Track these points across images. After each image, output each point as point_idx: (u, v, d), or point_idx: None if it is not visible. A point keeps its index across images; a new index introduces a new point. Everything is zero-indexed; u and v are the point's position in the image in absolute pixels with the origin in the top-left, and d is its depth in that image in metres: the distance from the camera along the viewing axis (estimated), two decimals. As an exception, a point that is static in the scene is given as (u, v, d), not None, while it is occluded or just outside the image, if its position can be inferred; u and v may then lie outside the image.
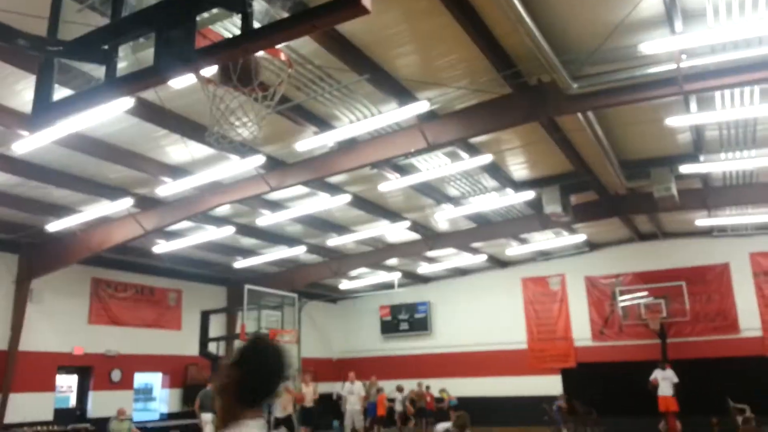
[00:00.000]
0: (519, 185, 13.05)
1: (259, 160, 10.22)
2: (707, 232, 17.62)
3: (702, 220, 15.72)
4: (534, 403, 17.36)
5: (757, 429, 12.40)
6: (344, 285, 21.20)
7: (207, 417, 12.42)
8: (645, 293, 17.60)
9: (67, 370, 14.52)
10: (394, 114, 8.95)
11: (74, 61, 6.91)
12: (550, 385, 18.77)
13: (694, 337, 17.50)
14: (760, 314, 17.08)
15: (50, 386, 13.88)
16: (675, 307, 17.15)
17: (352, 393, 15.53)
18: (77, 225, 12.36)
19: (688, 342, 17.43)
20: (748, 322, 17.13)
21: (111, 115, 8.27)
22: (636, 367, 16.88)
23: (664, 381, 15.65)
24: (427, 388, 18.74)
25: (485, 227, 16.04)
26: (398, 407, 19.20)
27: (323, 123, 9.57)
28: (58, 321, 14.17)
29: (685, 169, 11.55)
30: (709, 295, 17.66)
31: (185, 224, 13.43)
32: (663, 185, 11.68)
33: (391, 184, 11.91)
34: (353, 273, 19.93)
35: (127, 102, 7.71)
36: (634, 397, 16.63)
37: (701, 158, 11.49)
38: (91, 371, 14.72)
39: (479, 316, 20.70)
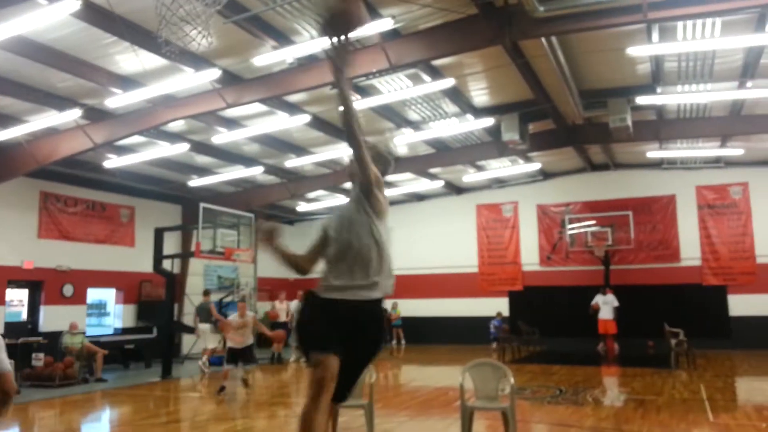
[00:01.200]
0: (479, 111, 13.05)
1: (214, 73, 9.86)
2: (657, 164, 18.19)
3: (653, 152, 16.16)
4: (483, 323, 18.18)
5: (687, 350, 13.29)
6: (302, 207, 21.20)
7: (204, 327, 14.05)
8: (593, 222, 18.26)
9: (18, 284, 14.29)
10: (357, 31, 8.69)
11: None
12: (498, 306, 19.62)
13: (637, 264, 18.39)
14: (701, 245, 18.00)
15: (0, 300, 13.69)
16: (620, 235, 17.90)
17: (283, 311, 16.33)
18: (23, 135, 11.85)
19: (631, 269, 18.33)
20: (689, 252, 18.05)
21: (56, 18, 7.81)
22: (579, 291, 17.77)
23: (605, 305, 16.56)
24: None
25: (444, 153, 16.12)
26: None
27: (282, 37, 9.25)
28: (6, 234, 13.80)
29: (641, 100, 11.73)
30: (654, 225, 18.44)
31: (137, 139, 13.03)
32: (619, 116, 11.87)
33: (352, 105, 11.72)
34: (311, 195, 19.90)
35: (73, 4, 7.25)
36: (575, 320, 17.58)
37: (658, 90, 11.67)
38: (42, 286, 14.53)
39: (434, 240, 21.17)
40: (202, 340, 14.36)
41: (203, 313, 14.33)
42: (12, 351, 10.88)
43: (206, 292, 15.06)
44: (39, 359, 12.06)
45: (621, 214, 18.04)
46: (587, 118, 13.31)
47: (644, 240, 18.38)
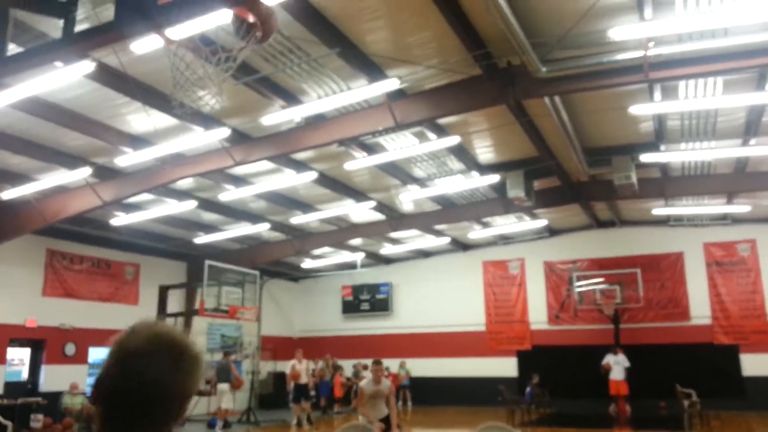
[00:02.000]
0: (484, 168, 13.15)
1: (223, 132, 10.02)
2: (663, 221, 18.15)
3: (659, 209, 16.16)
4: (490, 384, 17.69)
5: (701, 411, 12.90)
6: (307, 264, 21.13)
7: (223, 387, 14.07)
8: (601, 279, 18.08)
9: (20, 342, 14.11)
10: (363, 91, 8.89)
11: (30, 12, 6.68)
12: (506, 366, 19.23)
13: (647, 323, 18.08)
14: (710, 303, 17.74)
15: (1, 359, 13.49)
16: (629, 293, 17.68)
17: (298, 371, 15.51)
18: (33, 193, 11.95)
19: (641, 328, 18.01)
20: (699, 311, 17.77)
21: (70, 79, 7.96)
22: (589, 351, 17.40)
23: (616, 365, 16.20)
24: (386, 368, 19.02)
25: (449, 210, 16.16)
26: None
27: (291, 97, 9.43)
28: (10, 292, 13.73)
29: (645, 157, 11.81)
30: (663, 282, 18.24)
31: (145, 197, 13.13)
32: (623, 173, 11.93)
33: (358, 163, 11.85)
34: (316, 252, 19.87)
35: (87, 66, 7.43)
36: (586, 380, 17.15)
37: (662, 147, 11.77)
38: (44, 344, 14.35)
39: (440, 297, 20.95)
40: (217, 400, 14.31)
41: (222, 372, 14.31)
42: (11, 412, 10.68)
43: (226, 353, 15.23)
44: (38, 420, 11.79)
45: (629, 271, 17.85)
46: (592, 175, 13.38)
47: (653, 298, 18.13)
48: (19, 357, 14.30)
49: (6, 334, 13.59)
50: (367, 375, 18.74)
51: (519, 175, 12.82)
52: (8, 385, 13.41)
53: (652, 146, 11.79)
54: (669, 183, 13.99)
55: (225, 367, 14.41)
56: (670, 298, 18.12)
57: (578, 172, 13.27)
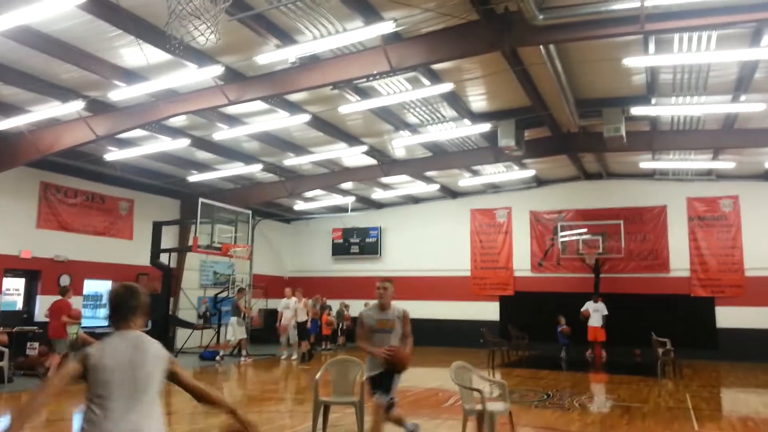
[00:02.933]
0: (476, 116, 13.24)
1: (217, 70, 9.98)
2: (649, 175, 18.44)
3: (646, 163, 16.38)
4: (473, 326, 18.30)
5: (674, 360, 13.48)
6: (298, 206, 21.35)
7: (232, 320, 15.33)
8: (585, 230, 18.48)
9: (15, 273, 14.38)
10: (359, 33, 8.88)
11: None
12: (489, 310, 19.86)
13: (627, 273, 18.61)
14: (690, 256, 18.24)
15: (-3, 287, 13.79)
16: (611, 244, 18.12)
17: (288, 308, 15.91)
18: (26, 125, 11.97)
19: (621, 278, 18.55)
20: (678, 263, 18.29)
21: (62, 9, 7.90)
22: (570, 298, 17.97)
23: (595, 312, 16.78)
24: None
25: (440, 157, 16.31)
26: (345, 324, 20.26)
27: (286, 36, 9.40)
28: (4, 223, 13.91)
29: (636, 110, 11.94)
30: (645, 234, 18.68)
31: (139, 133, 13.16)
32: (613, 125, 12.08)
33: (352, 107, 11.90)
34: (308, 194, 20.06)
35: (80, -6, 7.39)
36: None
37: (653, 101, 11.89)
38: (39, 275, 14.63)
39: (428, 243, 21.39)
40: (231, 333, 15.47)
41: (235, 309, 15.46)
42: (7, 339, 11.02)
43: (240, 290, 16.47)
44: (33, 348, 12.13)
45: (612, 223, 18.25)
46: (582, 126, 13.52)
47: (635, 249, 18.60)
48: (15, 287, 14.60)
49: (1, 264, 13.84)
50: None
51: (510, 125, 12.94)
52: (4, 314, 13.75)
53: (643, 99, 11.91)
54: (657, 137, 14.17)
55: (233, 303, 15.62)
56: (650, 250, 18.60)
57: (569, 123, 13.40)
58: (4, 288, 14.08)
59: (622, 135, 12.20)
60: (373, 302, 6.48)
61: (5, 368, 10.74)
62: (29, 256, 14.31)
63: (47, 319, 11.30)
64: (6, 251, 13.90)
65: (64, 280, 14.78)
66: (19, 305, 14.57)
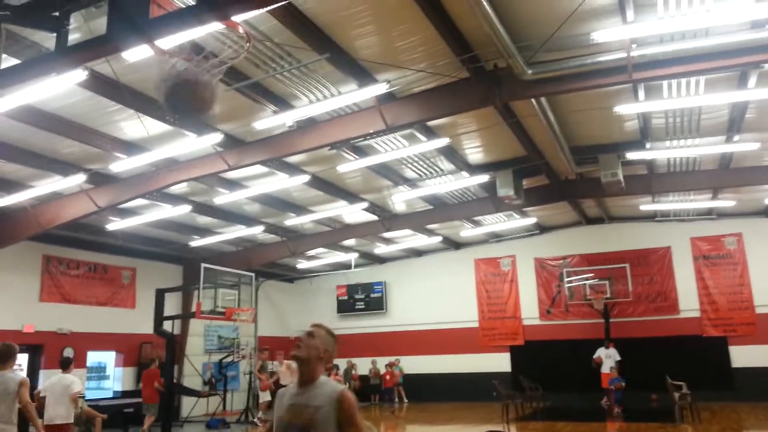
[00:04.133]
0: (474, 168, 13.36)
1: (216, 137, 10.18)
2: (651, 217, 18.44)
3: (646, 206, 16.43)
4: (484, 379, 17.95)
5: (691, 403, 13.15)
6: (301, 265, 21.29)
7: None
8: (591, 274, 18.36)
9: (18, 348, 14.19)
10: (354, 95, 9.06)
11: (23, 27, 6.82)
12: (500, 362, 19.51)
13: (636, 317, 18.37)
14: (699, 296, 18.05)
15: (-2, 365, 13.58)
16: (618, 288, 17.96)
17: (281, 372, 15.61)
18: (28, 200, 12.07)
19: (631, 321, 18.30)
20: (687, 303, 18.07)
21: (63, 88, 8.07)
22: (581, 345, 17.67)
23: (608, 359, 16.45)
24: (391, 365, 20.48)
25: (441, 209, 16.36)
26: (352, 384, 19.94)
27: (282, 102, 9.59)
28: (7, 298, 13.86)
29: (631, 155, 12.06)
30: (652, 276, 18.53)
31: (140, 202, 13.24)
32: (610, 170, 12.17)
33: (350, 165, 12.03)
34: (310, 253, 20.01)
35: (80, 74, 7.55)
36: (578, 374, 17.41)
37: (647, 145, 12.00)
38: (42, 350, 14.46)
39: (433, 295, 21.20)
40: (265, 395, 15.42)
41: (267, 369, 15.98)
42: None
43: (263, 350, 16.93)
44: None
45: (618, 266, 18.16)
46: (580, 173, 13.62)
47: (642, 292, 18.42)
48: (18, 362, 14.35)
49: (4, 340, 13.66)
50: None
51: (508, 175, 13.03)
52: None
53: (638, 144, 12.03)
54: (655, 179, 14.23)
55: (266, 366, 16.13)
56: (658, 292, 18.42)
57: (566, 170, 13.50)
58: (7, 364, 13.84)
59: (620, 180, 12.27)
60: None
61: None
62: (32, 330, 14.18)
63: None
64: (9, 327, 13.75)
65: (68, 353, 14.58)
66: (22, 381, 14.31)
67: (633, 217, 18.55)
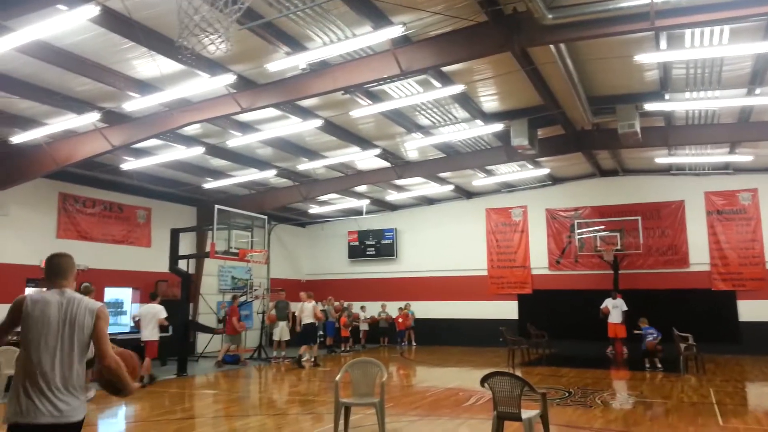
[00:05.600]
0: (488, 117, 13.21)
1: (229, 78, 10.09)
2: (666, 170, 18.26)
3: (662, 158, 16.24)
4: (491, 325, 18.28)
5: (696, 355, 13.33)
6: (313, 210, 21.45)
7: (282, 323, 16.03)
8: (602, 226, 18.36)
9: (36, 282, 14.61)
10: (368, 38, 8.90)
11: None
12: (507, 309, 19.82)
13: (646, 269, 18.46)
14: (710, 250, 18.06)
15: (18, 298, 14.01)
16: (629, 240, 17.99)
17: (303, 312, 15.87)
18: (43, 137, 12.16)
19: (640, 273, 18.40)
20: (698, 257, 18.10)
21: (75, 24, 8.03)
22: (588, 295, 17.85)
23: (615, 309, 16.62)
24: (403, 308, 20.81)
25: (453, 158, 16.29)
26: (363, 326, 20.37)
27: (296, 43, 9.46)
28: (25, 234, 14.16)
29: (650, 106, 11.84)
30: (663, 230, 18.51)
31: (154, 142, 13.32)
32: (627, 122, 11.99)
33: (363, 111, 11.95)
34: (322, 198, 20.15)
35: (92, 10, 7.49)
36: (584, 323, 17.65)
37: (666, 96, 11.77)
38: (59, 285, 14.83)
39: (443, 243, 21.39)
40: (277, 334, 16.05)
41: (281, 311, 16.04)
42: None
43: (280, 291, 17.00)
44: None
45: (630, 219, 18.13)
46: (596, 123, 13.43)
47: (653, 245, 18.44)
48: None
49: (23, 274, 14.08)
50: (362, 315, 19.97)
51: (523, 124, 12.88)
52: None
53: (657, 95, 11.80)
54: (672, 132, 14.02)
55: (283, 307, 16.17)
56: (669, 245, 18.43)
57: (582, 120, 13.32)
58: (26, 298, 14.28)
59: (636, 131, 12.10)
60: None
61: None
62: (50, 266, 14.52)
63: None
64: (28, 262, 14.12)
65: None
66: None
67: (648, 170, 18.37)
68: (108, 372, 3.27)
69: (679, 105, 12.23)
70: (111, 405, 10.04)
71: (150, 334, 11.96)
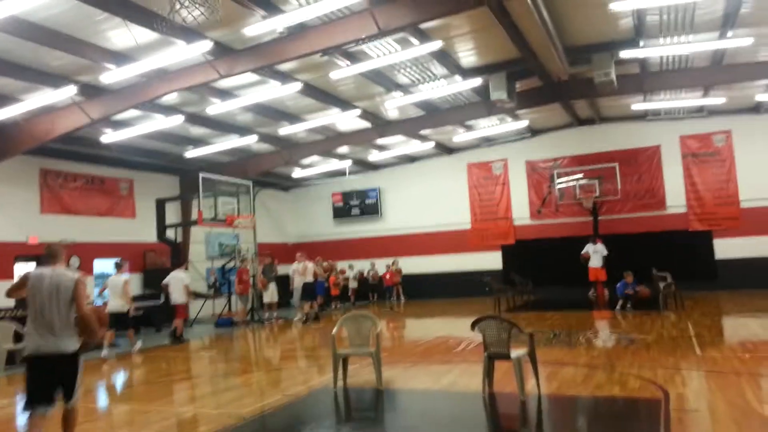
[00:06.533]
0: (467, 72, 13.30)
1: (206, 45, 10.03)
2: (642, 116, 18.59)
3: (638, 105, 16.51)
4: (477, 277, 18.78)
5: (675, 292, 13.87)
6: (297, 173, 21.52)
7: (271, 286, 16.43)
8: (580, 175, 18.74)
9: (25, 259, 14.66)
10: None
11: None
12: (491, 260, 20.32)
13: (625, 213, 18.98)
14: (686, 192, 18.58)
15: (8, 275, 14.06)
16: (608, 187, 18.43)
17: (296, 271, 16.32)
18: (20, 114, 12.04)
19: (619, 219, 18.93)
20: (674, 200, 18.63)
21: (48, -4, 7.95)
22: (570, 242, 18.34)
23: (595, 254, 17.12)
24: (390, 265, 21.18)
25: (433, 115, 16.41)
26: (351, 284, 20.77)
27: (272, 7, 9.43)
28: (10, 212, 14.16)
29: (625, 54, 12.03)
30: (640, 175, 18.96)
31: (133, 113, 13.25)
32: (603, 70, 12.19)
33: (342, 72, 11.97)
34: (305, 161, 20.21)
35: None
36: (567, 270, 18.19)
37: (641, 43, 11.95)
38: (48, 260, 14.90)
39: (427, 200, 21.70)
40: (267, 296, 16.48)
41: (269, 272, 16.50)
42: (22, 324, 11.39)
43: (270, 256, 17.20)
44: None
45: (608, 166, 18.53)
46: (572, 74, 13.60)
47: (631, 190, 18.91)
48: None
49: (11, 251, 14.12)
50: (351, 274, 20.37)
51: (501, 77, 13.03)
52: (18, 300, 14.08)
53: (632, 42, 11.98)
54: (647, 78, 14.26)
55: (271, 269, 16.56)
56: (647, 189, 18.92)
57: (559, 71, 13.48)
58: (15, 275, 14.37)
59: (612, 79, 12.31)
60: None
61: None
62: (36, 242, 14.57)
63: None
64: (14, 239, 14.16)
65: (74, 262, 15.07)
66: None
67: (624, 117, 18.68)
68: (82, 320, 4.79)
69: (654, 51, 12.43)
70: (116, 370, 10.31)
71: (178, 297, 13.25)
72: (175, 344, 12.73)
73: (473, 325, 6.37)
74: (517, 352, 6.34)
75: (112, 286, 12.07)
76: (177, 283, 13.21)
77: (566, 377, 7.17)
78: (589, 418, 5.91)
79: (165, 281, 13.61)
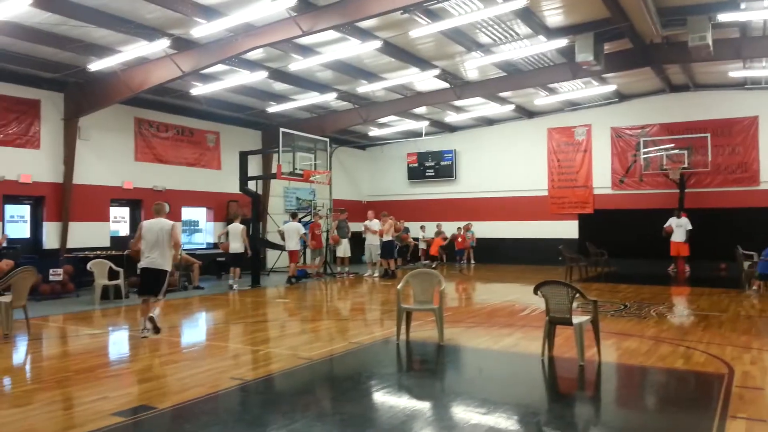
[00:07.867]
0: (552, 32, 12.88)
1: (290, 1, 10.25)
2: (740, 84, 17.39)
3: (736, 72, 15.47)
4: (551, 245, 18.49)
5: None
6: (373, 132, 21.72)
7: (344, 241, 17.07)
8: (670, 144, 17.88)
9: (119, 202, 15.80)
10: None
11: None
12: (567, 229, 19.93)
13: (713, 187, 18.02)
14: (783, 167, 17.36)
15: (105, 216, 15.25)
16: (697, 158, 17.53)
17: (389, 229, 16.78)
18: (118, 65, 12.80)
19: (707, 192, 18.01)
20: (769, 175, 17.48)
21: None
22: (652, 214, 17.71)
23: (678, 228, 16.49)
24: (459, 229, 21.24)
25: (514, 76, 16.04)
26: (422, 245, 21.05)
27: (355, -37, 9.48)
28: (106, 157, 15.19)
29: (723, 17, 11.27)
30: (734, 147, 17.86)
31: (220, 67, 13.75)
32: (698, 34, 11.47)
33: (422, 30, 11.88)
34: (382, 120, 20.34)
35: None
36: (646, 242, 17.62)
37: (742, 5, 11.15)
38: (141, 204, 15.98)
39: (503, 164, 21.43)
40: (341, 251, 17.15)
41: (342, 230, 17.05)
42: (119, 262, 12.36)
43: (343, 211, 17.90)
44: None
45: (699, 136, 17.57)
46: (666, 36, 12.89)
47: (722, 163, 17.89)
48: (121, 215, 16.08)
49: (107, 195, 15.23)
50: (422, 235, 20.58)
51: (588, 38, 12.52)
52: (113, 239, 15.29)
53: (731, 4, 11.19)
54: (747, 43, 13.29)
55: (343, 225, 17.14)
56: (739, 163, 17.83)
57: (651, 33, 12.80)
58: (111, 216, 15.52)
59: (708, 44, 11.59)
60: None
61: (122, 286, 12.17)
62: (131, 187, 15.62)
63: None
64: (111, 183, 15.24)
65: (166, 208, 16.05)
66: (126, 231, 16.03)
67: (721, 84, 17.53)
68: (176, 246, 8.26)
69: (756, 15, 11.56)
70: (195, 310, 11.08)
71: (293, 244, 15.19)
72: (289, 284, 14.79)
73: (536, 289, 6.40)
74: (580, 318, 6.34)
75: (233, 231, 14.22)
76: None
77: (630, 348, 7.11)
78: (646, 386, 5.89)
79: (281, 228, 15.69)
